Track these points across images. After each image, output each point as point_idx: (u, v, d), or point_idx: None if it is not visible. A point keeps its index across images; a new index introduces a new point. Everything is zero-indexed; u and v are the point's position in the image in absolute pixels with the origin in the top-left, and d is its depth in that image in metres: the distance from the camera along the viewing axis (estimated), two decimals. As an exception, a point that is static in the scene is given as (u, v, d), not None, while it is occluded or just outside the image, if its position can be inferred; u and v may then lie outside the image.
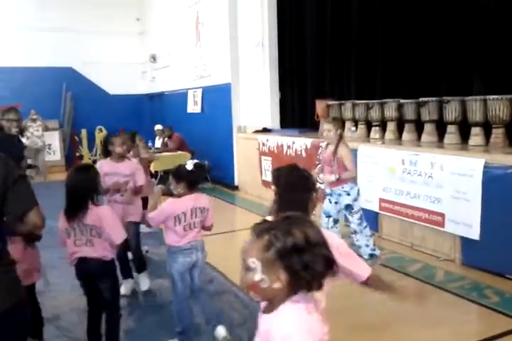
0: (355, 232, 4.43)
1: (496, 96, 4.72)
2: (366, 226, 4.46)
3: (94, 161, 12.79)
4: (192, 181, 3.11)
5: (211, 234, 6.11)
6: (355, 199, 4.41)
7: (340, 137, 4.45)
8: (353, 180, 4.55)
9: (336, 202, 4.50)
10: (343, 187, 4.39)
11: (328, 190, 4.55)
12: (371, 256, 4.44)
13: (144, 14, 13.05)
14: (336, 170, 4.36)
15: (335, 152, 4.37)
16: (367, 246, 4.43)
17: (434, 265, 4.55)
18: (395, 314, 3.55)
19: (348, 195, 4.39)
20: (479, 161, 4.18)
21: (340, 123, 4.56)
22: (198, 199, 3.15)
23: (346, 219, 4.72)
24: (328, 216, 4.55)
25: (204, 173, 3.34)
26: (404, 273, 4.38)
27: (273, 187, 2.20)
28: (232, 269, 4.52)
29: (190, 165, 3.08)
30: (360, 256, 4.40)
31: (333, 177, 4.35)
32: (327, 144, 4.62)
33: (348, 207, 4.41)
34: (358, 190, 4.47)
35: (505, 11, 4.87)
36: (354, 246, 4.43)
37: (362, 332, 3.31)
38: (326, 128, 4.43)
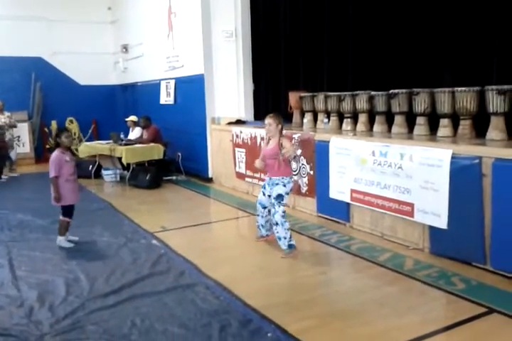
0: (276, 224, 4.71)
1: (463, 88, 4.81)
2: (286, 221, 4.72)
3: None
4: None
5: (185, 226, 6.13)
6: (287, 193, 4.74)
7: (281, 131, 4.77)
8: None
9: (269, 196, 4.82)
10: (283, 178, 4.71)
11: (266, 179, 4.87)
12: (290, 246, 4.71)
13: (116, 3, 12.78)
14: (281, 162, 4.68)
15: (280, 145, 4.68)
16: (285, 238, 4.69)
17: (404, 254, 4.64)
18: (366, 303, 3.63)
19: (284, 186, 4.71)
20: (447, 152, 4.26)
21: (281, 118, 4.83)
22: None
23: (269, 212, 4.94)
24: (264, 207, 4.95)
25: None
26: (374, 262, 4.46)
27: None
28: (205, 261, 4.55)
29: None
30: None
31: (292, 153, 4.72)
32: (268, 139, 4.87)
33: (279, 197, 4.68)
34: (292, 187, 4.82)
35: (474, 3, 4.96)
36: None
37: (333, 321, 3.36)
38: (267, 122, 4.76)
